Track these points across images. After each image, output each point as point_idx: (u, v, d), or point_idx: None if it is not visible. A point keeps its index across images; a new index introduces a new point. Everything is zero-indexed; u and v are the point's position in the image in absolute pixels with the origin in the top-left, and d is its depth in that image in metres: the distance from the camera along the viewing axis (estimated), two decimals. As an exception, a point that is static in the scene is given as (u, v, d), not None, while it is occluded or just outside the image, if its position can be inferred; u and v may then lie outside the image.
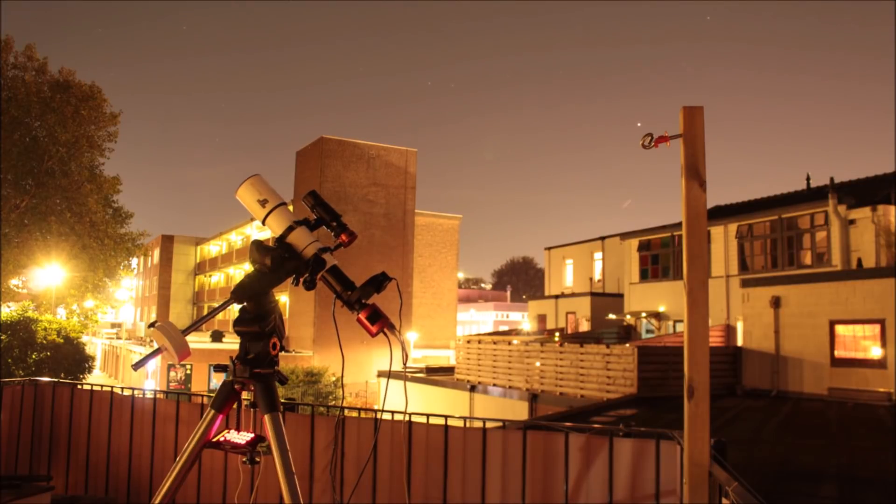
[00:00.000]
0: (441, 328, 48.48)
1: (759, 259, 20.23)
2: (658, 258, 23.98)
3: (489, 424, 3.67)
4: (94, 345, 47.99)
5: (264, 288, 2.18)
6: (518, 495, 3.34)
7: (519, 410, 18.32)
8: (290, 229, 2.22)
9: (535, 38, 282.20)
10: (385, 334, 2.12)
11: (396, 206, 43.15)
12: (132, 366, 2.41)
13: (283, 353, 2.31)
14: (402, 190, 43.53)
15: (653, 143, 2.51)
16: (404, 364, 2.25)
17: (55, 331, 16.61)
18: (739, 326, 18.36)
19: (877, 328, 13.67)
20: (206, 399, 4.55)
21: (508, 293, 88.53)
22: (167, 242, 61.98)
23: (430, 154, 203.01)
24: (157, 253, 62.42)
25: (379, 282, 2.14)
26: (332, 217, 2.26)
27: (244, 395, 2.29)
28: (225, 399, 2.25)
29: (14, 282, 24.75)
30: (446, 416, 3.61)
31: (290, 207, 2.35)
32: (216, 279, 58.53)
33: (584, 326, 29.73)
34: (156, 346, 2.03)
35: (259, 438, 2.20)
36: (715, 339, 19.80)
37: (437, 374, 24.68)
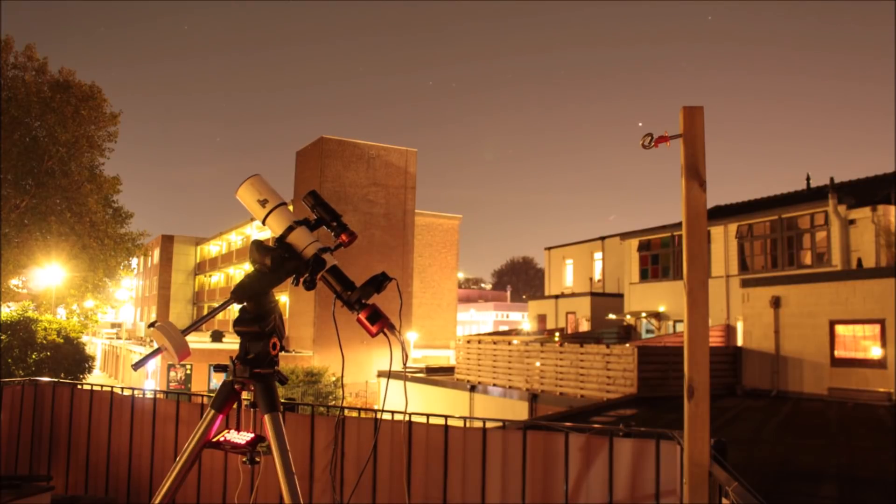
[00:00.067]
0: (441, 328, 48.48)
1: (759, 259, 20.23)
2: (658, 258, 23.98)
3: (489, 424, 3.67)
4: (94, 345, 47.99)
5: (264, 288, 2.18)
6: (518, 495, 3.34)
7: (519, 410, 18.32)
8: (290, 229, 2.22)
9: (535, 39, 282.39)
10: (385, 334, 2.12)
11: (396, 206, 43.14)
12: (132, 366, 2.41)
13: (283, 353, 2.31)
14: (402, 190, 43.52)
15: (653, 143, 2.51)
16: (404, 364, 2.25)
17: (55, 331, 16.61)
18: (739, 326, 18.36)
19: (877, 328, 13.67)
20: (206, 399, 4.55)
21: (508, 293, 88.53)
22: (167, 242, 61.98)
23: (430, 154, 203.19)
24: (157, 253, 62.42)
25: (379, 282, 2.14)
26: (332, 217, 2.26)
27: (244, 395, 2.29)
28: (225, 399, 2.25)
29: (14, 282, 24.76)
30: (446, 416, 3.61)
31: (290, 207, 2.35)
32: (216, 279, 58.53)
33: (584, 326, 29.74)
34: (156, 346, 2.03)
35: (259, 438, 2.20)
36: (715, 339, 19.80)
37: (437, 374, 24.68)
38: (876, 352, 13.63)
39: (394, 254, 42.09)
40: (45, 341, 16.13)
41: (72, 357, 16.87)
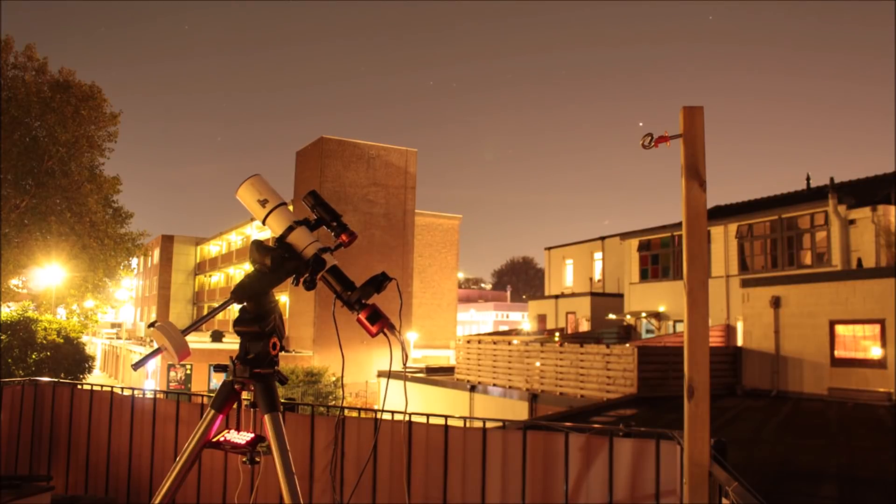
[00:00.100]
0: (441, 328, 48.47)
1: (759, 259, 20.23)
2: (658, 258, 23.98)
3: (489, 424, 3.67)
4: (94, 345, 47.99)
5: (264, 288, 2.17)
6: (518, 495, 3.34)
7: (519, 410, 18.32)
8: (290, 229, 2.22)
9: (535, 39, 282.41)
10: (385, 334, 2.12)
11: (396, 206, 43.14)
12: (132, 366, 2.41)
13: (283, 353, 2.31)
14: (402, 190, 43.52)
15: (653, 143, 2.51)
16: (404, 364, 2.25)
17: (55, 331, 16.61)
18: (739, 326, 18.36)
19: (877, 328, 13.66)
20: (206, 399, 4.55)
21: (508, 293, 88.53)
22: (167, 242, 61.98)
23: (430, 154, 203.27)
24: (157, 253, 62.42)
25: (379, 282, 2.14)
26: (332, 217, 2.26)
27: (244, 395, 2.29)
28: (225, 399, 2.25)
29: (14, 282, 24.76)
30: (446, 416, 3.61)
31: (290, 207, 2.35)
32: (216, 279, 58.53)
33: (584, 326, 29.73)
34: (156, 346, 2.03)
35: (259, 438, 2.20)
36: (715, 339, 19.80)
37: (437, 374, 24.68)
38: (876, 352, 13.63)
39: (394, 254, 42.09)
40: (45, 341, 16.13)
41: (72, 357, 16.87)
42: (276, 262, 2.15)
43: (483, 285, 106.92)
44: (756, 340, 15.83)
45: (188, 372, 33.74)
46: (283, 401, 2.73)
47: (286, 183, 47.49)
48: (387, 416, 3.70)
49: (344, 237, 2.23)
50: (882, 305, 13.54)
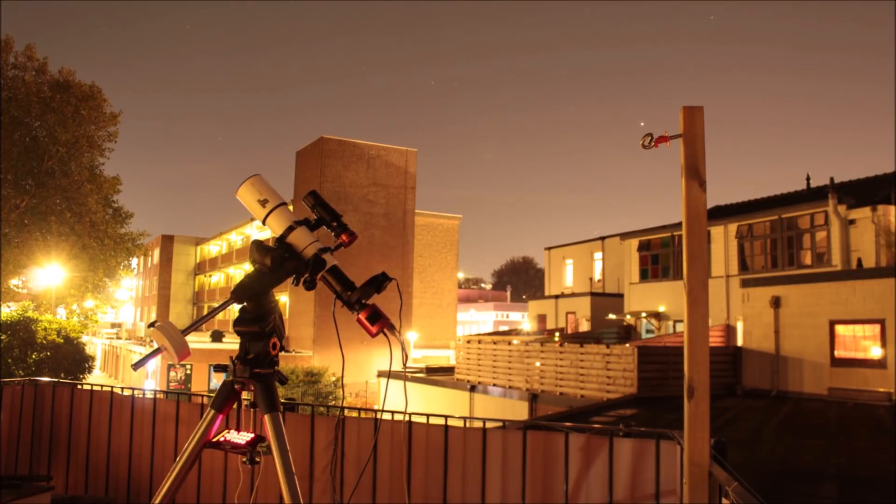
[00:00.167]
0: (441, 328, 48.48)
1: (759, 259, 20.23)
2: (658, 258, 23.98)
3: (489, 424, 3.67)
4: (94, 345, 47.99)
5: (264, 288, 2.18)
6: (518, 495, 3.34)
7: (519, 410, 18.32)
8: (290, 229, 2.22)
9: (535, 39, 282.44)
10: (385, 334, 2.12)
11: (396, 206, 43.14)
12: (132, 366, 2.41)
13: (283, 353, 2.31)
14: (402, 190, 43.52)
15: (653, 143, 2.51)
16: (404, 364, 2.25)
17: (55, 331, 16.61)
18: (739, 326, 18.36)
19: (877, 328, 13.67)
20: (206, 399, 4.55)
21: (508, 293, 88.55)
22: (167, 242, 61.98)
23: (430, 154, 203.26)
24: (157, 253, 62.43)
25: (379, 282, 2.14)
26: (332, 217, 2.26)
27: (244, 395, 2.29)
28: (225, 399, 2.25)
29: (14, 282, 24.75)
30: (446, 416, 3.61)
31: (290, 207, 2.35)
32: (216, 279, 58.53)
33: (584, 326, 29.74)
34: (156, 346, 2.03)
35: (259, 438, 2.20)
36: (715, 339, 19.80)
37: (437, 374, 24.68)
38: (876, 352, 13.63)
39: (394, 254, 42.09)
40: (45, 341, 16.13)
41: (72, 357, 16.87)
42: (276, 262, 2.15)
43: (483, 285, 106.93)
44: (756, 340, 15.83)
45: (188, 372, 33.74)
46: (283, 401, 2.73)
47: (286, 183, 47.53)
48: (387, 416, 3.70)
49: (344, 237, 2.23)
50: (882, 305, 13.54)
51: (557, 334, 26.22)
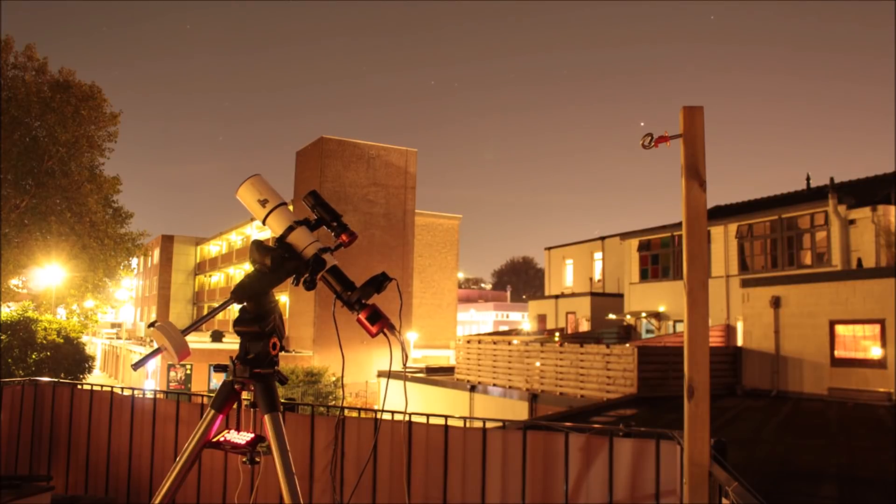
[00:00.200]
0: (441, 328, 48.47)
1: (759, 259, 20.23)
2: (658, 258, 23.98)
3: (489, 424, 3.67)
4: (94, 345, 47.99)
5: (264, 288, 2.17)
6: (518, 495, 3.34)
7: (519, 410, 18.32)
8: (290, 229, 2.22)
9: (535, 39, 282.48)
10: (385, 334, 2.12)
11: (396, 206, 43.14)
12: (132, 366, 2.41)
13: (283, 353, 2.30)
14: (402, 190, 43.52)
15: (653, 143, 2.51)
16: (404, 364, 2.25)
17: (55, 331, 16.61)
18: (739, 326, 18.36)
19: (877, 328, 13.66)
20: (206, 399, 4.54)
21: (508, 293, 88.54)
22: (167, 242, 61.99)
23: (430, 154, 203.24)
24: (157, 253, 62.43)
25: (379, 282, 2.14)
26: (332, 217, 2.26)
27: (244, 395, 2.29)
28: (225, 399, 2.25)
29: (14, 282, 24.75)
30: (446, 416, 3.61)
31: (291, 207, 2.35)
32: (216, 279, 58.53)
33: (584, 326, 29.74)
34: (156, 346, 2.03)
35: (259, 438, 2.20)
36: (715, 339, 19.80)
37: (437, 374, 24.68)
38: (876, 352, 13.63)
39: (394, 254, 42.09)
40: (45, 341, 16.13)
41: (72, 357, 16.87)
42: (276, 262, 2.15)
43: (483, 285, 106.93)
44: (756, 340, 15.83)
45: (188, 372, 33.74)
46: (283, 401, 2.73)
47: (286, 183, 47.53)
48: (387, 416, 3.70)
49: (344, 237, 2.23)
50: (882, 305, 13.54)
51: (557, 334, 26.22)
